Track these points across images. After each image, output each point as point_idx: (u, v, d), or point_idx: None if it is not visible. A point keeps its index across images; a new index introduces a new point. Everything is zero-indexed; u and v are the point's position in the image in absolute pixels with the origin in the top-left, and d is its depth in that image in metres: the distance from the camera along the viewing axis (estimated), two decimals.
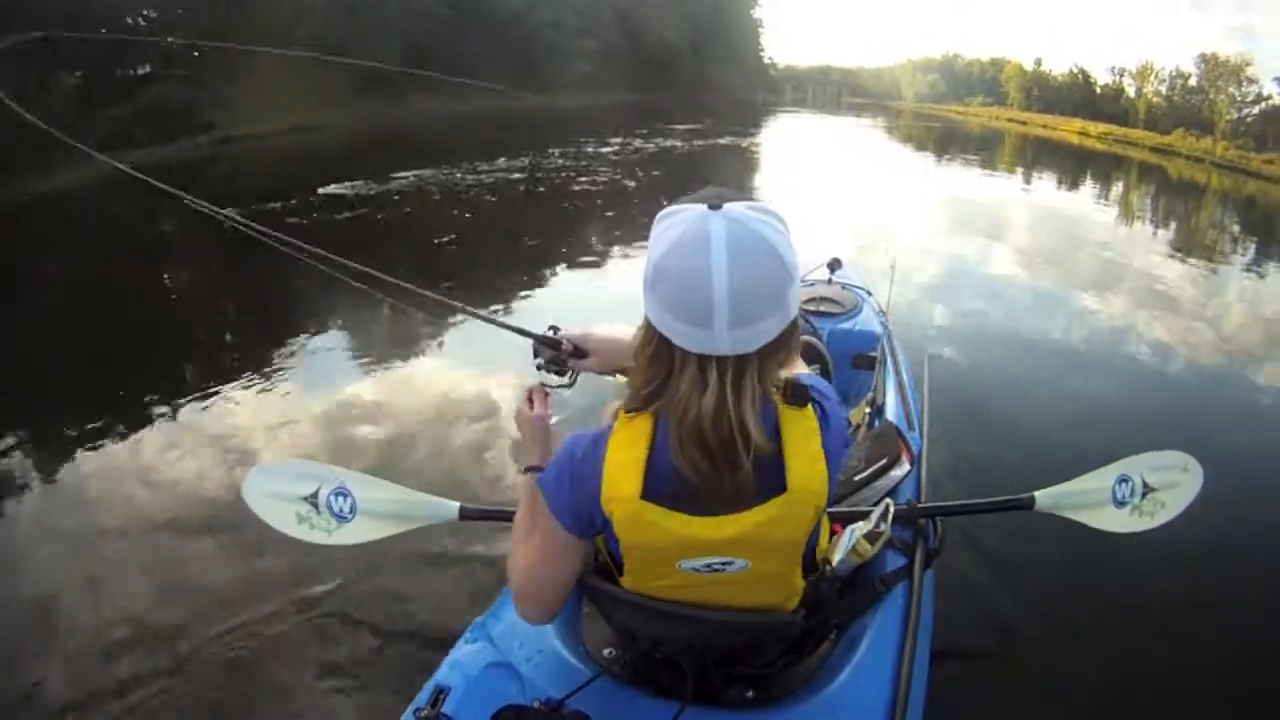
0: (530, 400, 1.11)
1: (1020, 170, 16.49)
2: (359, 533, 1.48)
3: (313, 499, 1.46)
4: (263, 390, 3.33)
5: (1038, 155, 20.19)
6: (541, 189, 8.75)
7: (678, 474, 0.77)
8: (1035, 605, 1.93)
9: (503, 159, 10.26)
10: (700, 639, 0.92)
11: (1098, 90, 31.93)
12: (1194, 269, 6.99)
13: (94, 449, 2.87)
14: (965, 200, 10.21)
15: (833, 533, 1.14)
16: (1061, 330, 4.57)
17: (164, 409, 3.13)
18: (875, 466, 1.46)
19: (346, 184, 7.99)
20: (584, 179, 9.19)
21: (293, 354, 3.81)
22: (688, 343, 0.72)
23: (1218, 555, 2.07)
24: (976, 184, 13.02)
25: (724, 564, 0.81)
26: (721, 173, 11.55)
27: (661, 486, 0.78)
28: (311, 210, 6.85)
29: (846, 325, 2.48)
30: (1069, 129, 29.20)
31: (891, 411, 1.86)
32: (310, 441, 2.91)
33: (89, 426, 3.00)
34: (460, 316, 4.39)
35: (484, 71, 19.44)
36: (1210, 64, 26.71)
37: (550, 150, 11.37)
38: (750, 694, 1.00)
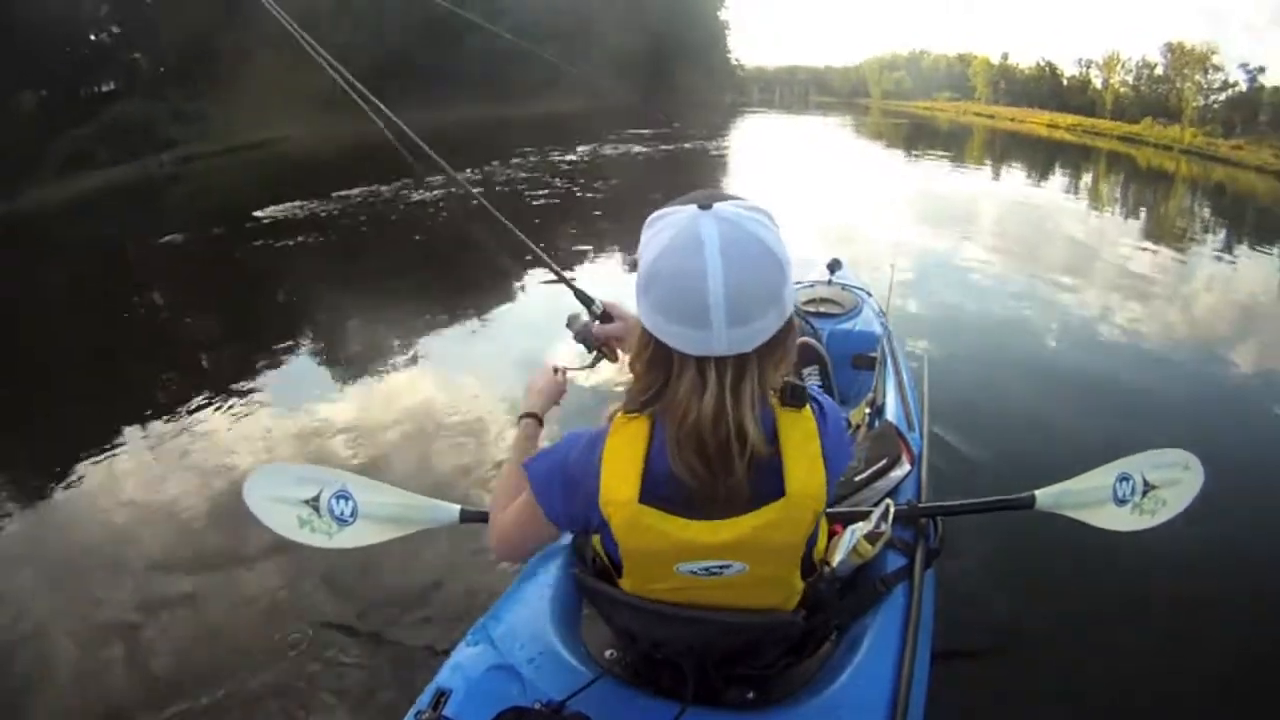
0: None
1: (991, 164, 16.29)
2: (360, 536, 1.48)
3: (314, 502, 1.47)
4: (256, 401, 3.35)
5: (1007, 149, 20.01)
6: (495, 203, 8.32)
7: (674, 477, 0.77)
8: (1036, 605, 1.92)
9: (465, 171, 9.76)
10: (700, 640, 0.92)
11: (1065, 82, 31.99)
12: (1183, 262, 6.97)
13: (103, 449, 2.90)
14: (936, 197, 10.10)
15: (833, 533, 1.15)
16: (1057, 328, 4.56)
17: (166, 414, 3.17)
18: (875, 467, 1.46)
19: (298, 203, 7.69)
20: (540, 191, 8.68)
21: (274, 366, 3.83)
22: (685, 345, 0.71)
23: (1219, 553, 2.07)
24: (947, 180, 12.84)
25: (722, 567, 0.81)
26: (681, 180, 9.82)
27: (658, 490, 0.78)
28: (254, 236, 6.56)
29: (846, 326, 2.48)
30: (1037, 121, 29.27)
31: (891, 412, 1.86)
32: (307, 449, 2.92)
33: (111, 424, 3.07)
34: (457, 324, 4.44)
35: (449, 81, 19.22)
36: (1176, 53, 26.80)
37: (510, 160, 10.85)
38: (751, 695, 1.00)
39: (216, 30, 14.84)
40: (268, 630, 1.89)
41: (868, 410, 1.99)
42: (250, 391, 3.43)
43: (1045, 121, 28.89)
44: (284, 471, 1.54)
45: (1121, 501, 1.47)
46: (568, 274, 1.37)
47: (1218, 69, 25.36)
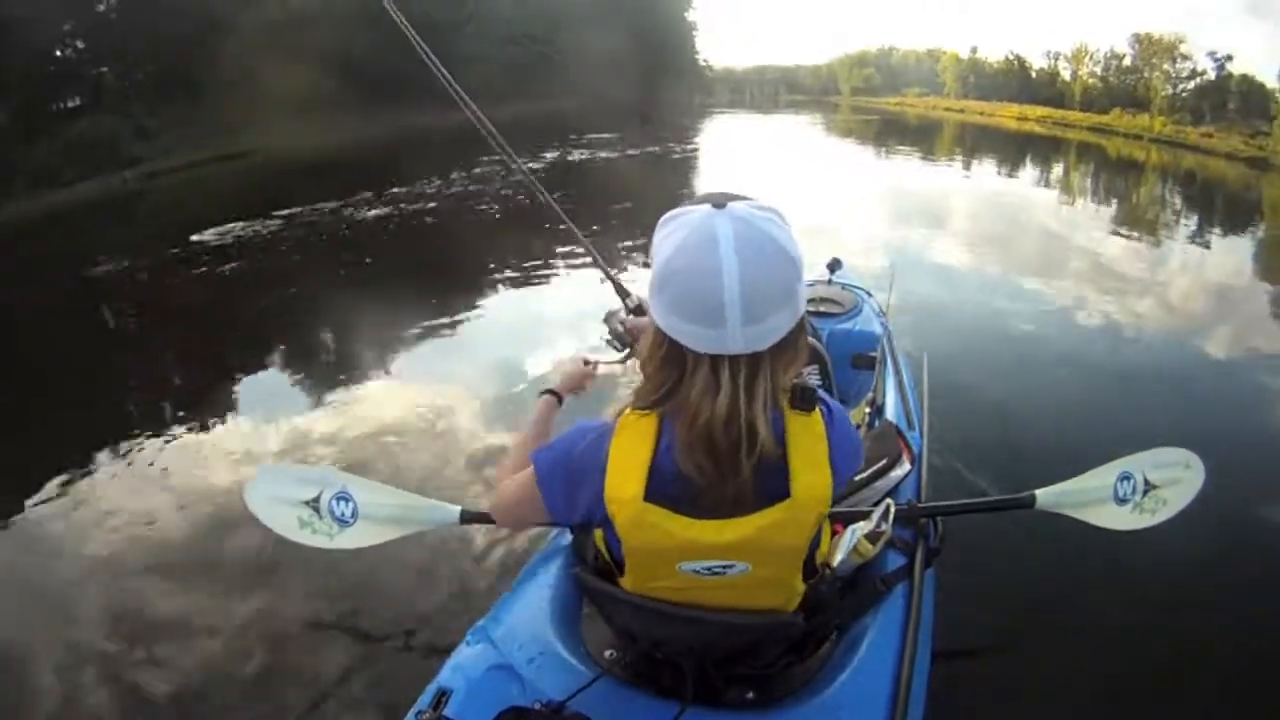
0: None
1: (962, 158, 16.16)
2: (361, 537, 1.48)
3: (314, 503, 1.46)
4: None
5: (978, 142, 19.92)
6: (436, 220, 7.75)
7: (681, 476, 0.77)
8: (1036, 604, 1.92)
9: (417, 183, 9.39)
10: (701, 640, 0.92)
11: (1033, 75, 31.99)
12: (1166, 253, 6.98)
13: (114, 450, 2.94)
14: (908, 194, 10.01)
15: (833, 533, 1.15)
16: (1057, 326, 4.54)
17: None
18: (875, 466, 1.46)
19: (238, 223, 7.38)
20: (485, 204, 8.45)
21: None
22: (699, 343, 0.72)
23: (1219, 552, 2.06)
24: (919, 175, 12.74)
25: (724, 567, 0.82)
26: (643, 188, 9.29)
27: (664, 488, 0.78)
28: (182, 264, 6.31)
29: (846, 325, 2.48)
30: (1006, 114, 29.34)
31: (891, 411, 1.86)
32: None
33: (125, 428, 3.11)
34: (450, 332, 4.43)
35: (416, 86, 19.15)
36: (1144, 43, 26.79)
37: (464, 170, 10.40)
38: (751, 695, 1.00)
39: (183, 44, 14.78)
40: (268, 631, 1.89)
41: (868, 410, 1.99)
42: (208, 410, 3.43)
43: (1015, 114, 29.00)
44: (284, 473, 1.54)
45: (1122, 501, 1.47)
46: (611, 270, 1.42)
47: (1186, 58, 25.42)
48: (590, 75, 24.02)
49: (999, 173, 13.74)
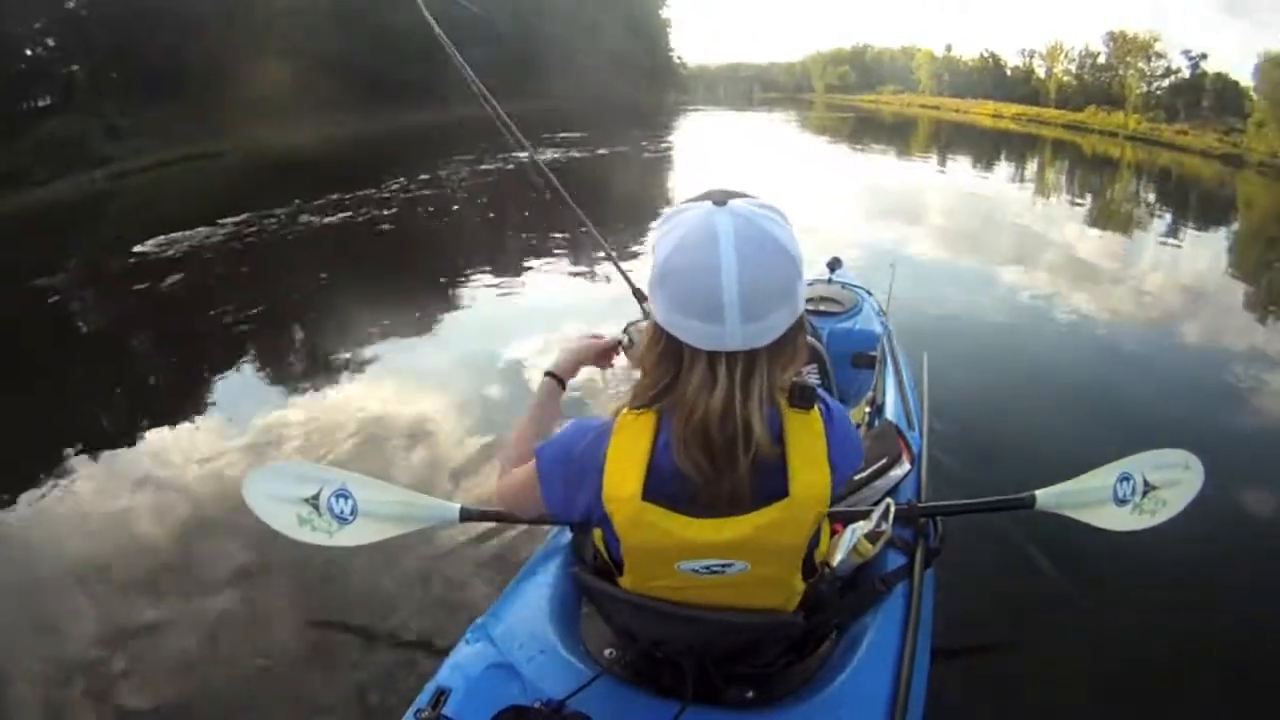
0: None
1: (937, 155, 16.10)
2: (360, 534, 1.48)
3: (314, 500, 1.46)
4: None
5: (953, 139, 19.90)
6: (389, 227, 7.28)
7: (679, 474, 0.77)
8: (1036, 604, 1.93)
9: (369, 189, 8.89)
10: (701, 639, 0.92)
11: (1008, 73, 32.48)
12: (1163, 253, 7.02)
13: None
14: (885, 191, 10.01)
15: (833, 532, 1.15)
16: (1055, 325, 4.55)
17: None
18: (875, 466, 1.46)
19: (186, 232, 6.89)
20: (439, 212, 8.14)
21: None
22: (698, 339, 0.72)
23: (1219, 553, 2.07)
24: (894, 173, 12.70)
25: (723, 566, 0.81)
26: (606, 193, 8.65)
27: (663, 487, 0.78)
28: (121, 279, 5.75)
29: (846, 325, 2.48)
30: (981, 111, 29.67)
31: (891, 411, 1.86)
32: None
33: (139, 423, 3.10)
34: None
35: (385, 86, 18.87)
36: (1119, 41, 27.17)
37: (422, 174, 10.04)
38: (750, 694, 0.99)
39: (157, 41, 14.62)
40: (267, 631, 1.89)
41: (868, 409, 1.99)
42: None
43: (990, 111, 29.36)
44: (283, 470, 1.54)
45: (1122, 501, 1.47)
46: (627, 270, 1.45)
47: (1160, 56, 25.89)
48: (563, 75, 23.89)
49: (975, 171, 13.74)
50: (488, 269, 5.66)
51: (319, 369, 3.90)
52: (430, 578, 2.03)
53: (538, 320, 4.29)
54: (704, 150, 15.64)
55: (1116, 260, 6.38)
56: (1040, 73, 30.70)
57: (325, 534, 1.47)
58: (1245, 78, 21.82)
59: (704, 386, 0.73)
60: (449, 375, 3.56)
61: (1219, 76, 23.79)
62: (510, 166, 10.31)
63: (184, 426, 3.22)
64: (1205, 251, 7.23)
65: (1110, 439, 2.30)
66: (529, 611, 1.13)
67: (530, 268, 5.71)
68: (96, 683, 1.77)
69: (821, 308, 2.55)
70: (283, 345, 4.46)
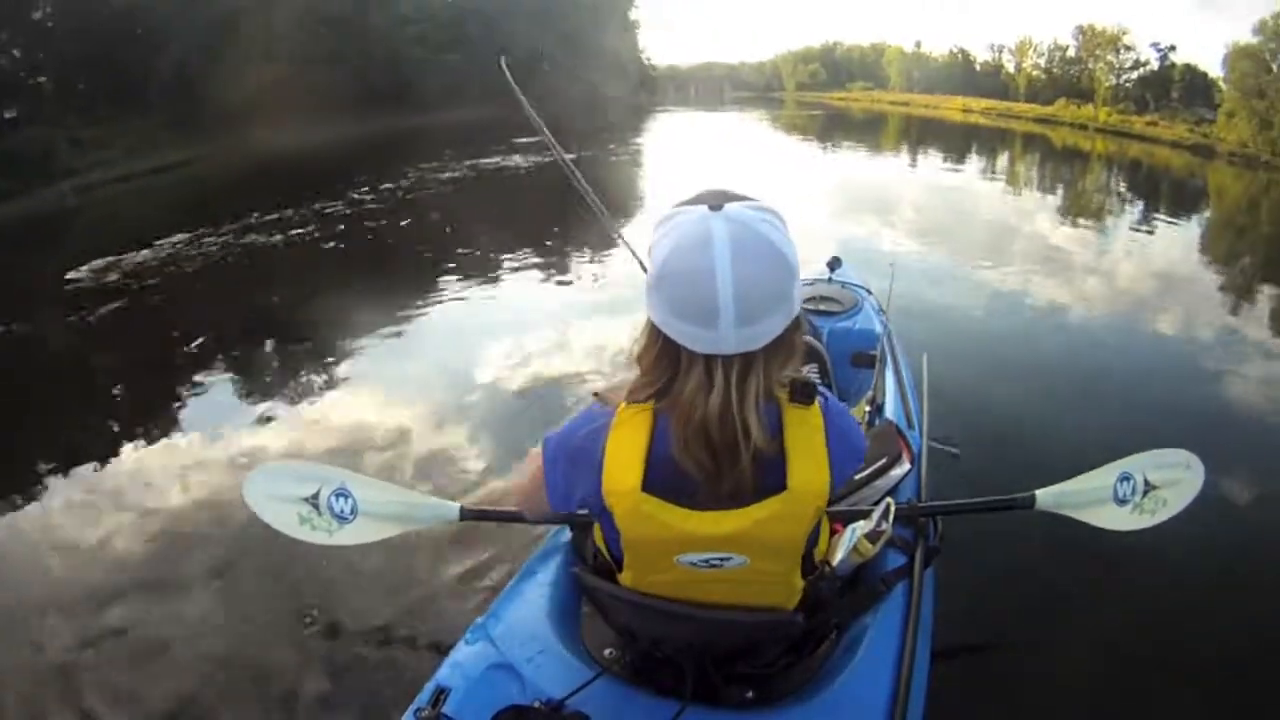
0: None
1: (908, 151, 16.10)
2: (360, 533, 1.48)
3: (314, 500, 1.46)
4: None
5: (924, 135, 19.84)
6: (339, 244, 6.94)
7: (678, 468, 0.78)
8: (1036, 604, 1.93)
9: (328, 199, 8.61)
10: (700, 638, 0.93)
11: (978, 68, 32.56)
12: (1152, 245, 7.05)
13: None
14: (858, 186, 9.99)
15: (833, 532, 1.14)
16: (1057, 326, 4.54)
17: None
18: (875, 466, 1.46)
19: (131, 253, 6.57)
20: (400, 220, 7.95)
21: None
22: (693, 343, 0.73)
23: (1219, 553, 2.07)
24: (866, 169, 12.67)
25: (722, 559, 0.82)
26: (569, 201, 8.10)
27: (662, 480, 0.79)
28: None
29: (846, 324, 2.48)
30: (951, 107, 29.79)
31: (891, 410, 1.86)
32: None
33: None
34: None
35: (353, 92, 18.79)
36: (1088, 35, 27.27)
37: (386, 182, 9.83)
38: (750, 694, 0.99)
39: (125, 51, 14.51)
40: (268, 630, 1.89)
41: (867, 408, 1.99)
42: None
43: (959, 106, 29.47)
44: (283, 470, 1.53)
45: (1122, 501, 1.47)
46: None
47: (1129, 48, 25.97)
48: (531, 78, 23.79)
49: (946, 164, 13.70)
50: (459, 269, 5.71)
51: (294, 378, 3.89)
52: (430, 577, 2.03)
53: (514, 322, 4.28)
54: (674, 151, 15.34)
55: (1089, 249, 6.43)
56: (1010, 67, 30.90)
57: (325, 533, 1.46)
58: (1215, 69, 21.95)
59: (701, 389, 0.74)
60: (429, 379, 3.57)
61: (1188, 68, 23.94)
62: (507, 169, 10.37)
63: (162, 441, 3.18)
64: (1180, 242, 7.28)
65: (1110, 438, 2.30)
66: (529, 611, 1.13)
67: (526, 268, 5.75)
68: (94, 688, 1.77)
69: (821, 307, 2.55)
70: (257, 358, 4.39)
